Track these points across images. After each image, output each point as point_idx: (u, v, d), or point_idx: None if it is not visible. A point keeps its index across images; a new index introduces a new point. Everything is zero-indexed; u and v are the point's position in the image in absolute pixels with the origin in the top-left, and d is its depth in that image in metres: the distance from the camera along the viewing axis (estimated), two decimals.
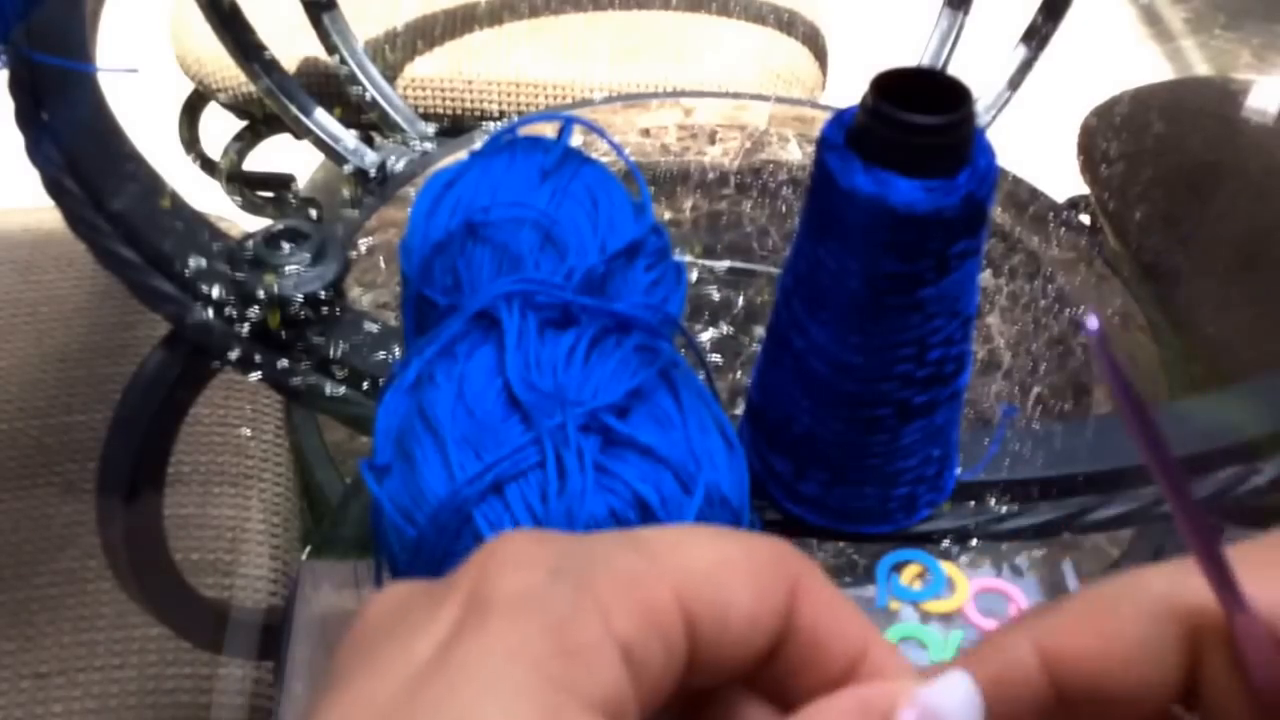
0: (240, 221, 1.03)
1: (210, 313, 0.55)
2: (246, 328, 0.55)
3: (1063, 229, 0.84)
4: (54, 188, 0.51)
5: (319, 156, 1.00)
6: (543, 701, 0.18)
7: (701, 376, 0.45)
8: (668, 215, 0.85)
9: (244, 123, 1.19)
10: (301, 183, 1.30)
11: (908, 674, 0.22)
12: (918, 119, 0.39)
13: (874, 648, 0.23)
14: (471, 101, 1.11)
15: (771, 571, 0.22)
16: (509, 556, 0.20)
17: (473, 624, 0.19)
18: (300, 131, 0.96)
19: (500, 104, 1.11)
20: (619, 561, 0.20)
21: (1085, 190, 1.03)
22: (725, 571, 0.21)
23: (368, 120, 1.03)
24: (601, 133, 0.57)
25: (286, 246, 0.55)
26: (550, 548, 0.21)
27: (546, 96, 1.10)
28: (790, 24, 1.16)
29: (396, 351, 0.56)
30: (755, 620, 0.21)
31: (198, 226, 0.56)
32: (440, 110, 1.12)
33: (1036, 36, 1.03)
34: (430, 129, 1.02)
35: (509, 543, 0.21)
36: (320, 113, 0.95)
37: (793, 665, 0.22)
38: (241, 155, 1.21)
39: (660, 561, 0.21)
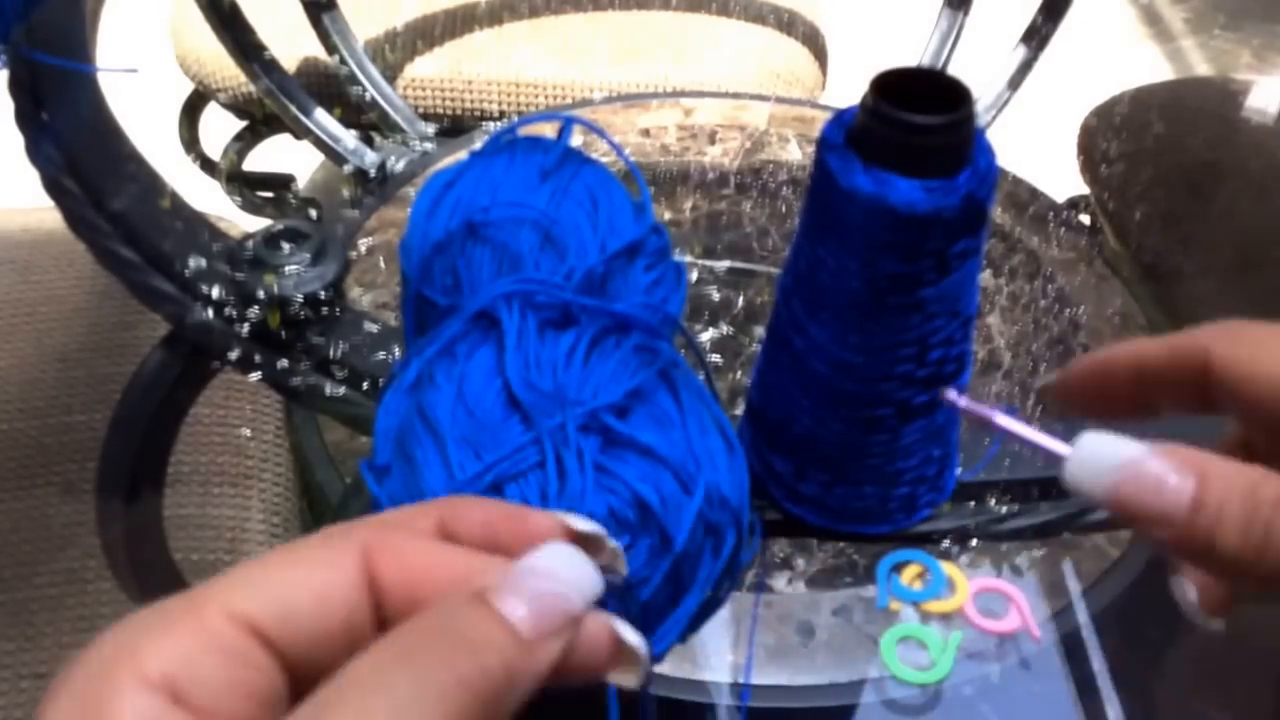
0: (240, 221, 1.03)
1: (210, 313, 0.55)
2: (246, 328, 0.55)
3: (1063, 229, 0.84)
4: (54, 188, 0.51)
5: (319, 156, 1.00)
6: None
7: (701, 376, 0.45)
8: (667, 215, 0.85)
9: (244, 123, 1.19)
10: (301, 183, 1.30)
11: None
12: (918, 119, 0.39)
13: (478, 569, 0.24)
14: (471, 102, 1.11)
15: (331, 552, 0.23)
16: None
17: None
18: (300, 131, 0.96)
19: (500, 104, 1.11)
20: (153, 618, 0.21)
21: (1085, 190, 1.03)
22: (276, 572, 0.22)
23: (368, 120, 1.03)
24: (601, 133, 0.57)
25: (286, 246, 0.55)
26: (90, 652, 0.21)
27: (546, 97, 1.10)
28: (790, 24, 1.16)
29: (396, 351, 0.56)
30: (326, 599, 0.22)
31: (198, 226, 0.56)
32: (440, 110, 1.12)
33: (1036, 36, 1.03)
34: (430, 129, 1.02)
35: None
36: (320, 113, 0.95)
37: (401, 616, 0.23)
38: (241, 155, 1.21)
39: (203, 597, 0.22)
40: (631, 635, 0.26)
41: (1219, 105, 1.07)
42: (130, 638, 0.21)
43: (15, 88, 0.49)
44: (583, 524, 0.26)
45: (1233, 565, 0.24)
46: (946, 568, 0.60)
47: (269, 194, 1.27)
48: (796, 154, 0.91)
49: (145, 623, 0.21)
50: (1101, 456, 0.25)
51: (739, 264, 0.80)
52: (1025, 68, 1.04)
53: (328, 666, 0.22)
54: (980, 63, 1.01)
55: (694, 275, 0.78)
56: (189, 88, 1.18)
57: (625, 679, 0.26)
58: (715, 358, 0.71)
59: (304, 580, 0.22)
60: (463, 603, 0.22)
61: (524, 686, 0.22)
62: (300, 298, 0.55)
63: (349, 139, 0.95)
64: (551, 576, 0.24)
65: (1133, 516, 0.25)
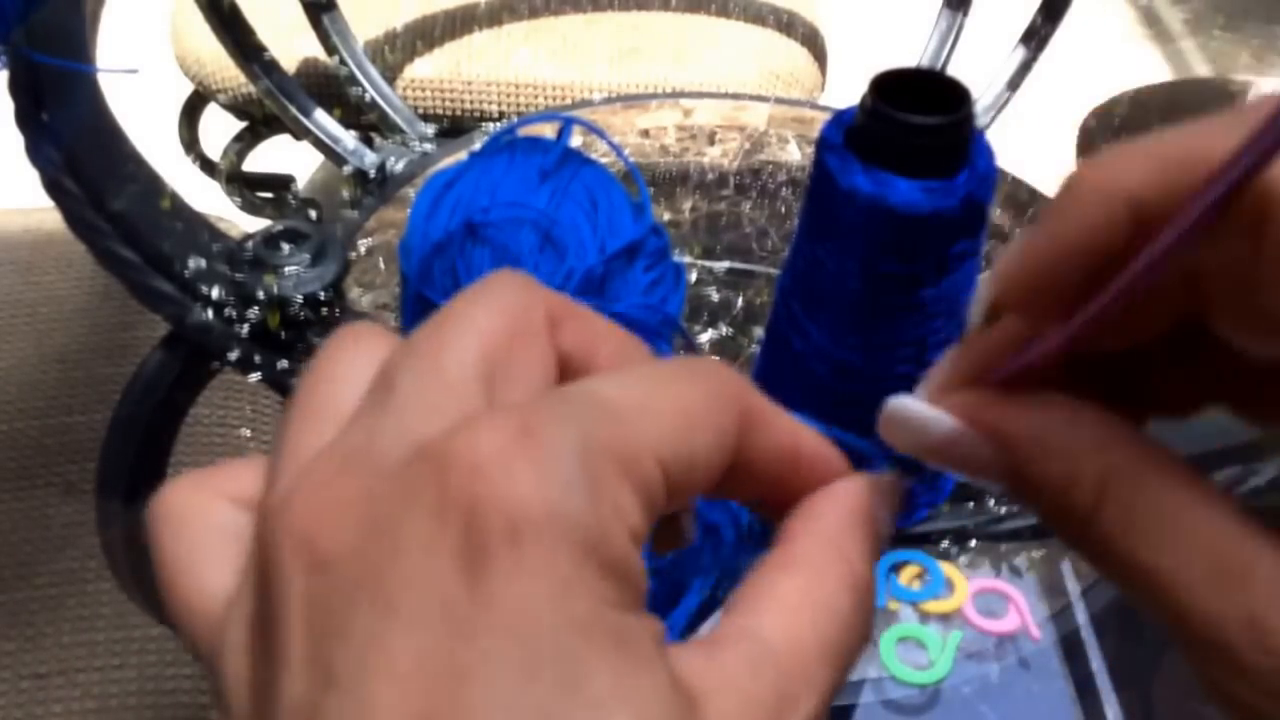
0: (240, 222, 1.03)
1: (210, 313, 0.55)
2: (246, 328, 0.55)
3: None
4: (54, 188, 0.51)
5: (318, 157, 1.00)
6: (616, 640, 0.17)
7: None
8: (667, 216, 0.85)
9: (244, 123, 1.19)
10: (301, 183, 1.30)
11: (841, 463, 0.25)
12: (917, 119, 0.39)
13: (807, 449, 0.24)
14: (471, 102, 1.12)
15: (726, 408, 0.22)
16: (501, 451, 0.18)
17: (501, 559, 0.17)
18: (300, 132, 0.96)
19: (500, 105, 1.11)
20: (605, 440, 0.19)
21: None
22: (690, 423, 0.21)
23: (367, 121, 1.03)
24: (601, 133, 0.57)
25: (286, 247, 0.55)
26: (539, 434, 0.18)
27: (546, 97, 1.10)
28: (789, 25, 1.16)
29: None
30: (715, 458, 0.21)
31: (197, 227, 0.57)
32: (440, 111, 1.12)
33: (1036, 37, 1.03)
34: (430, 130, 1.02)
35: (491, 429, 0.18)
36: (320, 113, 0.95)
37: (744, 478, 0.23)
38: (241, 156, 1.21)
39: (636, 429, 0.20)
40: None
41: (1218, 106, 1.07)
42: (607, 475, 0.19)
43: (15, 88, 0.50)
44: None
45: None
46: (945, 568, 0.60)
47: (269, 194, 1.27)
48: (796, 155, 0.91)
49: (606, 451, 0.19)
50: (914, 415, 0.24)
51: (738, 265, 0.80)
52: (1024, 68, 1.04)
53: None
54: (979, 63, 1.01)
55: (693, 276, 0.78)
56: (189, 88, 1.18)
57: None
58: (714, 358, 0.71)
59: (707, 446, 0.21)
60: (873, 543, 0.23)
61: None
62: (300, 298, 0.55)
63: (349, 139, 0.95)
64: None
65: (968, 473, 0.24)
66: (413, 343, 0.21)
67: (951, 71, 0.89)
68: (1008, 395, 0.23)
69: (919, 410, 0.24)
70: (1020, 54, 1.04)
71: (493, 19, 1.15)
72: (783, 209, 0.85)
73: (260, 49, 0.92)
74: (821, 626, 0.21)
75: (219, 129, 1.22)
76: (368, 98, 1.01)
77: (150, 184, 0.55)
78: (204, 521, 0.22)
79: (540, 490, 0.18)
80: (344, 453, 0.19)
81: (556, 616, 0.17)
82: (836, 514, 0.23)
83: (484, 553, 0.17)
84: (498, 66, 1.11)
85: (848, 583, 0.22)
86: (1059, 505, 0.23)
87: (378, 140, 1.02)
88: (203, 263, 0.55)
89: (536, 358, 0.21)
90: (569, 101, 1.09)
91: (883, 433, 0.25)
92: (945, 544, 0.61)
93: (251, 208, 1.26)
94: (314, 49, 1.04)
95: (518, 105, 1.11)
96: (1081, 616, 0.60)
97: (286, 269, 0.55)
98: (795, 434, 0.24)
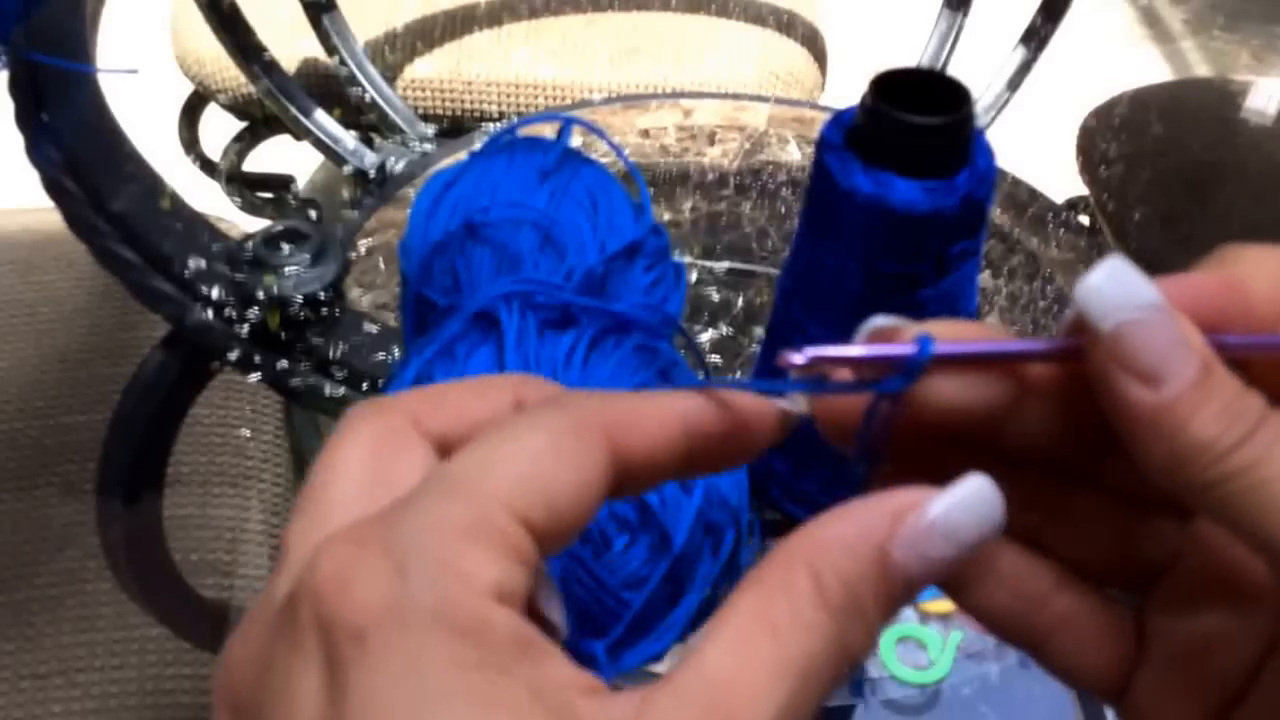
0: (240, 222, 1.03)
1: (210, 313, 0.55)
2: (246, 328, 0.55)
3: (1062, 230, 0.84)
4: (54, 188, 0.52)
5: (318, 157, 1.00)
6: (481, 699, 0.18)
7: (701, 377, 0.45)
8: (667, 216, 0.85)
9: (244, 124, 1.19)
10: (301, 184, 1.30)
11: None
12: (917, 119, 0.39)
13: (693, 417, 0.24)
14: (471, 102, 1.12)
15: (582, 435, 0.22)
16: (338, 572, 0.20)
17: (352, 660, 0.19)
18: (300, 132, 0.96)
19: (500, 105, 1.11)
20: (441, 518, 0.20)
21: (1084, 191, 1.03)
22: (538, 466, 0.21)
23: (367, 121, 1.03)
24: (601, 134, 0.57)
25: (286, 247, 0.55)
26: (372, 543, 0.20)
27: (546, 97, 1.10)
28: (789, 25, 1.16)
29: (396, 352, 0.56)
30: (584, 484, 0.22)
31: (197, 227, 0.57)
32: (440, 111, 1.12)
33: (1036, 37, 1.03)
34: (430, 130, 1.02)
35: (329, 556, 0.20)
36: (320, 114, 0.95)
37: (651, 473, 0.23)
38: (241, 156, 1.21)
39: (477, 494, 0.21)
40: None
41: (1218, 106, 1.07)
42: (445, 549, 0.20)
43: (15, 88, 0.50)
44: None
45: (1186, 458, 0.21)
46: None
47: (269, 195, 1.27)
48: (796, 155, 0.91)
49: (444, 525, 0.20)
50: (1132, 285, 0.22)
51: (738, 265, 0.80)
52: (1024, 68, 1.04)
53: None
54: (979, 63, 1.01)
55: (693, 276, 0.78)
56: (189, 88, 1.18)
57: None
58: (715, 358, 0.71)
59: (567, 477, 0.21)
60: (864, 565, 0.21)
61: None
62: (300, 298, 0.55)
63: (349, 140, 0.95)
64: (953, 537, 0.22)
65: (1118, 364, 0.22)
66: (299, 498, 0.23)
67: (951, 71, 0.89)
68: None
69: (1133, 275, 0.22)
70: (1020, 54, 1.04)
71: (493, 19, 1.15)
72: (783, 209, 0.85)
73: (260, 49, 0.92)
74: (766, 646, 0.20)
75: (219, 129, 1.22)
76: (368, 98, 1.01)
77: (150, 184, 0.55)
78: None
79: (375, 590, 0.19)
80: (257, 608, 0.22)
81: (409, 693, 0.18)
82: (809, 528, 0.22)
83: (338, 663, 0.19)
84: (498, 66, 1.11)
85: (808, 599, 0.21)
86: (1235, 400, 0.22)
87: (378, 140, 1.02)
88: (203, 263, 0.55)
89: (410, 459, 0.23)
90: (569, 101, 1.09)
91: (1097, 290, 0.22)
92: None
93: (251, 208, 1.26)
94: (314, 49, 1.04)
95: (518, 105, 1.11)
96: None
97: (286, 269, 0.55)
98: (671, 410, 0.24)
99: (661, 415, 0.24)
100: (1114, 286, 0.22)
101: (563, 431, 0.22)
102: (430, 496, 0.21)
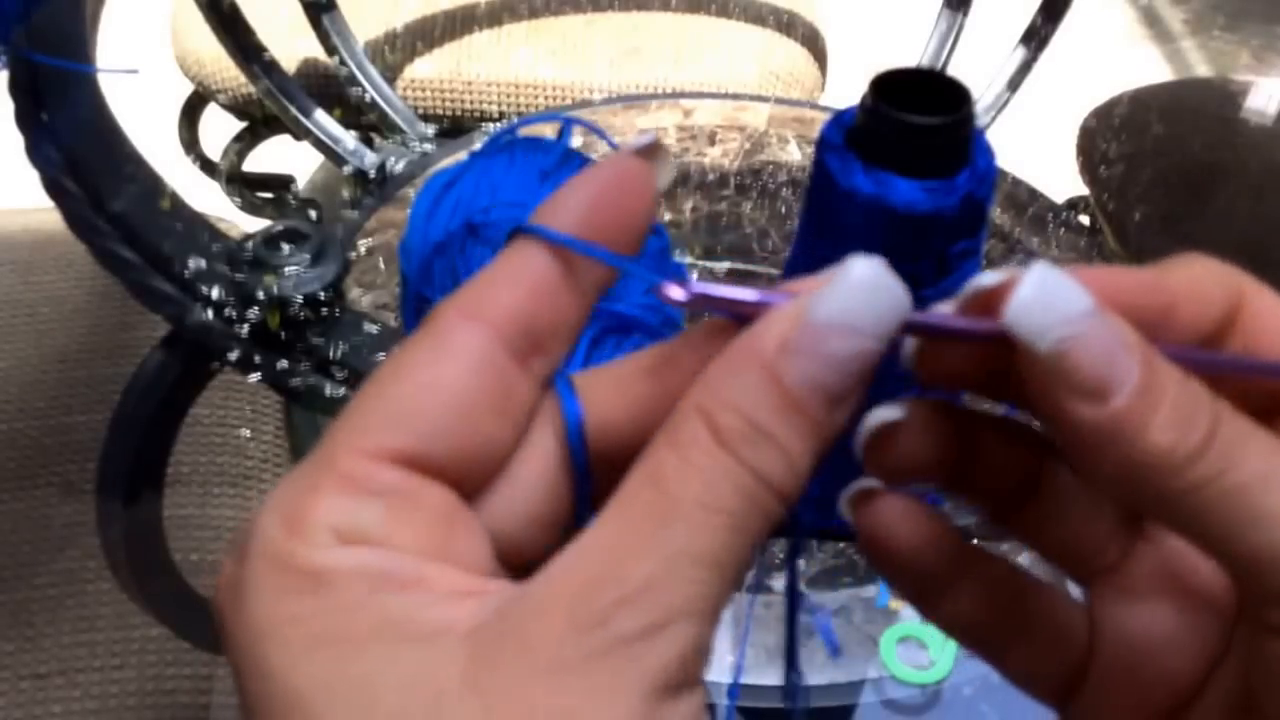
0: (240, 222, 1.03)
1: (210, 313, 0.55)
2: (246, 328, 0.55)
3: (1062, 230, 0.84)
4: (54, 188, 0.51)
5: (318, 157, 1.00)
6: (315, 637, 0.19)
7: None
8: (668, 216, 0.85)
9: (244, 124, 1.19)
10: (301, 184, 1.30)
11: None
12: (917, 119, 0.39)
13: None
14: (471, 102, 1.12)
15: (439, 346, 0.22)
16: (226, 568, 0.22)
17: (226, 641, 0.22)
18: (300, 132, 0.96)
19: (500, 105, 1.11)
20: (295, 481, 0.21)
21: (1085, 191, 1.03)
22: (395, 388, 0.21)
23: (367, 121, 1.03)
24: (601, 133, 0.57)
25: (286, 247, 0.55)
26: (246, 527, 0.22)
27: (546, 97, 1.10)
28: (789, 25, 1.16)
29: None
30: (460, 396, 0.21)
31: (197, 227, 0.57)
32: (440, 111, 1.12)
33: (1036, 37, 1.03)
34: (430, 130, 1.02)
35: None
36: (320, 114, 0.95)
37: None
38: (241, 156, 1.21)
39: (331, 442, 0.21)
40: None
41: (1218, 106, 1.07)
42: (286, 516, 0.20)
43: (15, 88, 0.49)
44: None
45: (1144, 471, 0.20)
46: None
47: (269, 195, 1.27)
48: (796, 155, 0.91)
49: (291, 494, 0.21)
50: (1060, 297, 0.20)
51: (739, 265, 0.80)
52: (1025, 68, 1.04)
53: (509, 447, 0.22)
54: (980, 63, 1.01)
55: (694, 276, 0.78)
56: (189, 88, 1.18)
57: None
58: None
59: (427, 387, 0.21)
60: (756, 396, 0.20)
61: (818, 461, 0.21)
62: (300, 298, 0.55)
63: (349, 140, 0.95)
64: (855, 328, 0.20)
65: (1060, 384, 0.20)
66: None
67: (951, 71, 0.89)
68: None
69: (1070, 281, 0.20)
70: (1020, 54, 1.04)
71: (493, 19, 1.15)
72: (783, 209, 0.85)
73: (260, 49, 0.92)
74: (646, 501, 0.20)
75: (219, 129, 1.22)
76: (368, 98, 1.01)
77: (150, 184, 0.55)
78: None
79: (225, 574, 0.22)
80: None
81: (255, 656, 0.20)
82: (700, 375, 0.21)
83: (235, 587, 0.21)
84: (498, 66, 1.11)
85: (697, 442, 0.20)
86: (1186, 404, 0.20)
87: (378, 140, 1.02)
88: (203, 263, 0.55)
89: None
90: (569, 101, 1.09)
91: (1024, 307, 0.21)
92: None
93: (251, 208, 1.26)
94: (314, 49, 1.04)
95: (518, 105, 1.11)
96: None
97: (286, 269, 0.55)
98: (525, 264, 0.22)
99: (515, 271, 0.22)
100: (1043, 301, 0.20)
101: (419, 343, 0.22)
102: (296, 468, 0.21)
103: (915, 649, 0.57)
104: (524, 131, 0.53)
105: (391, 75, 1.10)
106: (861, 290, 0.21)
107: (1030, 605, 0.25)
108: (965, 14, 1.06)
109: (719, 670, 0.56)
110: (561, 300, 0.22)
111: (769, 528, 0.20)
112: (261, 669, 0.20)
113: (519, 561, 0.22)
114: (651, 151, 0.23)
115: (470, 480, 0.21)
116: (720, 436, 0.20)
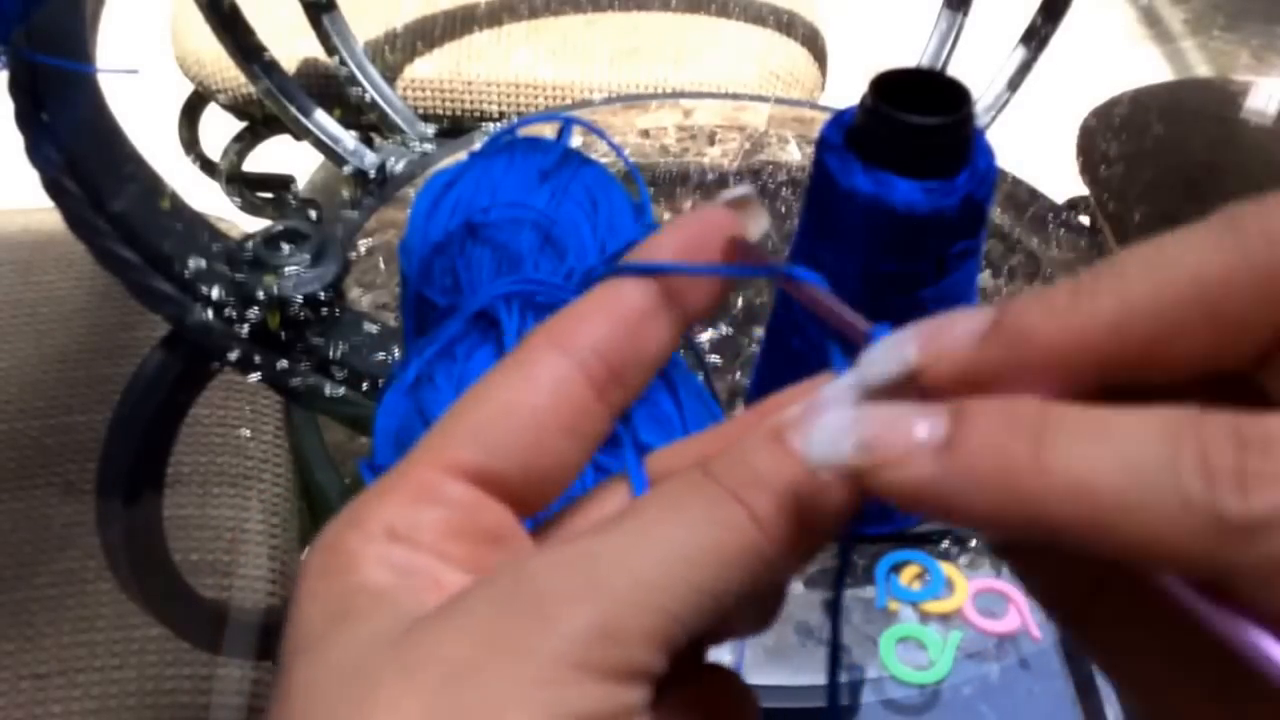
0: (240, 222, 1.03)
1: (210, 313, 0.55)
2: (246, 328, 0.55)
3: (1062, 230, 0.84)
4: (54, 188, 0.51)
5: (318, 157, 1.00)
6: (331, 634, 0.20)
7: (701, 377, 0.45)
8: (667, 216, 0.85)
9: (244, 124, 1.19)
10: (301, 184, 1.30)
11: None
12: (917, 120, 0.39)
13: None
14: (471, 102, 1.12)
15: (526, 366, 0.23)
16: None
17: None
18: (300, 132, 0.96)
19: (500, 105, 1.11)
20: (374, 491, 0.22)
21: (1084, 191, 1.03)
22: (475, 406, 0.22)
23: (367, 121, 1.03)
24: (601, 134, 0.57)
25: (286, 247, 0.55)
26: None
27: (546, 97, 1.10)
28: (789, 25, 1.16)
29: (396, 352, 0.56)
30: (533, 417, 0.22)
31: (197, 227, 0.57)
32: (440, 111, 1.12)
33: (1036, 37, 1.03)
34: (430, 130, 1.02)
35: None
36: (320, 114, 0.95)
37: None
38: (241, 156, 1.21)
39: (412, 458, 0.22)
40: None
41: (1218, 106, 1.07)
42: (354, 513, 0.22)
43: (15, 88, 0.50)
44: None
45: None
46: (945, 568, 0.60)
47: (269, 195, 1.27)
48: (796, 155, 0.91)
49: (367, 496, 0.22)
50: (829, 434, 0.20)
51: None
52: (1024, 68, 1.04)
53: (575, 472, 0.22)
54: (979, 63, 1.01)
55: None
56: (189, 88, 1.18)
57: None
58: (714, 358, 0.71)
59: (506, 408, 0.22)
60: (757, 450, 0.21)
61: (824, 530, 0.21)
62: (300, 298, 0.55)
63: (349, 140, 0.95)
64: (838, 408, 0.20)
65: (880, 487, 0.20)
66: None
67: (951, 71, 0.89)
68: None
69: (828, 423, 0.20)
70: (1020, 54, 1.04)
71: (493, 19, 1.15)
72: (783, 209, 0.85)
73: (260, 49, 0.92)
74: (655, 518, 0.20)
75: (219, 129, 1.22)
76: (368, 98, 1.01)
77: (150, 184, 0.55)
78: None
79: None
80: None
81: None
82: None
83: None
84: (498, 66, 1.11)
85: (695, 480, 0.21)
86: None
87: (378, 140, 1.02)
88: (203, 263, 0.55)
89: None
90: (569, 101, 1.09)
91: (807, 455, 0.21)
92: (945, 544, 0.61)
93: (251, 208, 1.26)
94: (314, 49, 1.04)
95: (518, 105, 1.11)
96: None
97: (286, 269, 0.55)
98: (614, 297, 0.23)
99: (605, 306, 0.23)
100: (819, 443, 0.20)
101: (512, 363, 0.23)
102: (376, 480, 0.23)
103: (914, 649, 0.57)
104: (524, 131, 0.53)
105: (391, 75, 1.10)
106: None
107: None
108: (965, 14, 1.06)
109: None
110: (645, 335, 0.23)
111: (751, 569, 0.20)
112: (287, 629, 0.21)
113: None
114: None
115: (533, 498, 0.22)
116: (707, 468, 0.21)
